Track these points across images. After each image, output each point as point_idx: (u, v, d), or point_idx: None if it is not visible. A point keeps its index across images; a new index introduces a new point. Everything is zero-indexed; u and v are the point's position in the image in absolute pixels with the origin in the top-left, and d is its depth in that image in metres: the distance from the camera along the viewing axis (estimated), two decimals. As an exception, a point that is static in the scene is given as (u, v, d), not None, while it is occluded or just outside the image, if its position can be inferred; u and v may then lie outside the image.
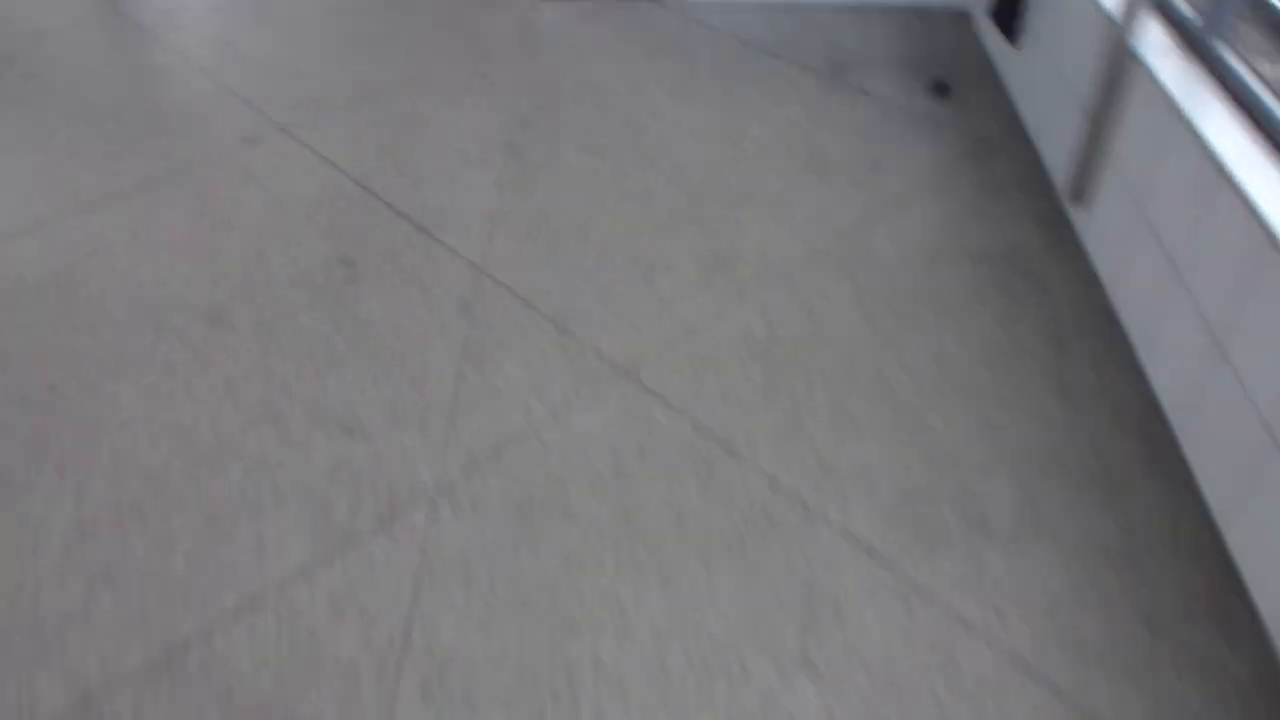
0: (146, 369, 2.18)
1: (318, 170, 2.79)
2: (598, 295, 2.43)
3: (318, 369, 2.19)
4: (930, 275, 2.55)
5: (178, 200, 2.67)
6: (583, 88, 3.24)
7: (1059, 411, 2.20)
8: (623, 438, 2.08)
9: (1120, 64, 2.36)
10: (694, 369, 2.25)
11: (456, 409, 2.12)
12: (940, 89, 3.34)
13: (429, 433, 2.06)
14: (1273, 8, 2.03)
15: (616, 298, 2.43)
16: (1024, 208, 2.79)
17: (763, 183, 2.85)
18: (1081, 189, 2.64)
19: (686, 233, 2.65)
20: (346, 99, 3.11)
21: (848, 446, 2.10)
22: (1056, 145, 2.88)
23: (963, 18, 3.79)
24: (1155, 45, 2.35)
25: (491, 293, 2.41)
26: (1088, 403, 2.22)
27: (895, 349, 2.34)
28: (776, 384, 2.22)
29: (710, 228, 2.67)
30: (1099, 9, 2.56)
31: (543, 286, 2.45)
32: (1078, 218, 2.70)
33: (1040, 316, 2.44)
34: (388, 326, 2.30)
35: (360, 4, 3.67)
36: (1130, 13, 2.29)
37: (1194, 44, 2.30)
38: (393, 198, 2.70)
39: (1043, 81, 3.00)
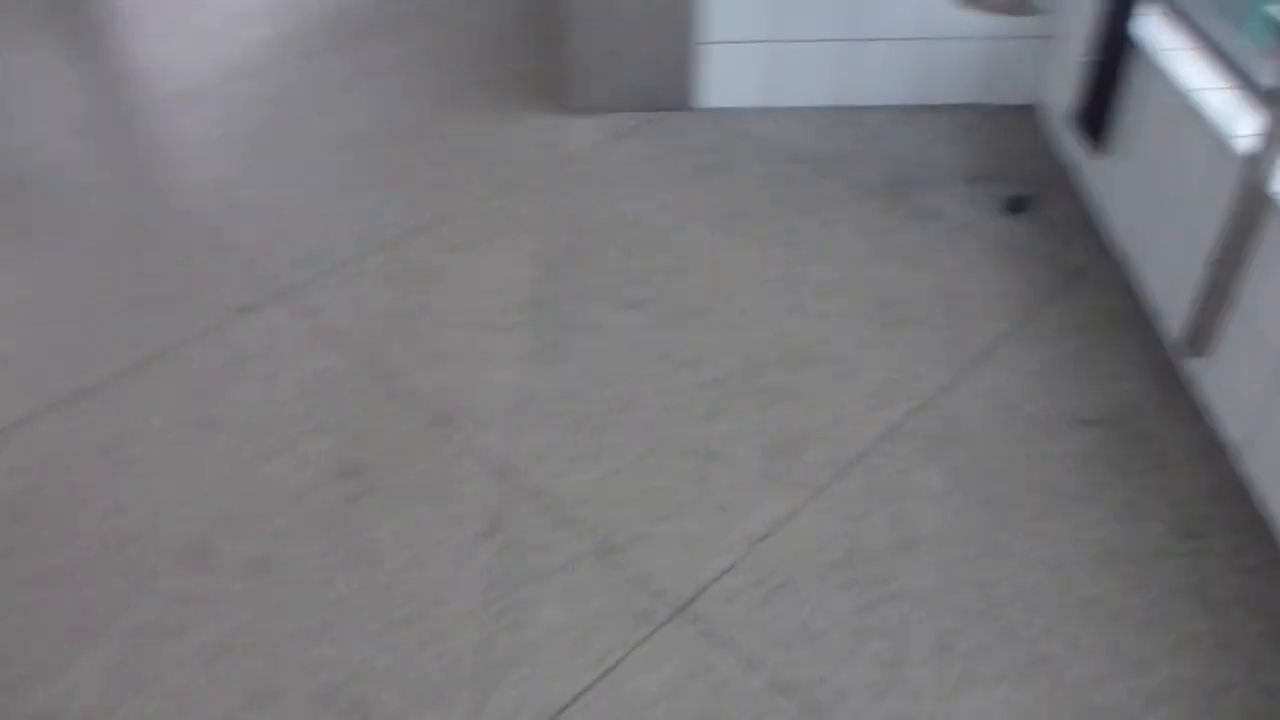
0: (114, 633, 1.90)
1: (319, 347, 2.53)
2: (645, 501, 2.14)
3: (320, 622, 1.91)
4: (1030, 451, 2.24)
5: (158, 394, 2.41)
6: (618, 223, 2.98)
7: (1206, 630, 1.88)
8: (687, 704, 1.78)
9: (1253, 204, 2.06)
10: (765, 598, 1.94)
11: (486, 673, 1.82)
12: (1016, 204, 3.05)
13: (454, 712, 1.76)
14: None
15: (667, 503, 2.13)
16: (1129, 355, 2.48)
17: (827, 338, 2.56)
18: (1200, 340, 2.32)
19: (744, 409, 2.35)
20: (354, 250, 2.86)
21: (959, 698, 1.79)
22: (1160, 276, 2.57)
23: (1029, 112, 3.51)
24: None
25: (521, 505, 2.12)
26: (1238, 617, 1.91)
27: (1001, 556, 2.03)
28: (866, 614, 1.91)
29: (771, 401, 2.38)
30: (1218, 137, 2.26)
31: (580, 492, 2.16)
32: (1196, 371, 2.38)
33: (1165, 501, 2.13)
34: (401, 559, 2.02)
35: (369, 131, 3.44)
36: (1270, 148, 1.99)
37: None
38: (405, 380, 2.43)
39: (1138, 199, 2.70)
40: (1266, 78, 2.13)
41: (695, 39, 3.43)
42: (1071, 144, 3.16)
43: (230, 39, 3.99)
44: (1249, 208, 2.06)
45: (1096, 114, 2.86)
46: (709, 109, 3.55)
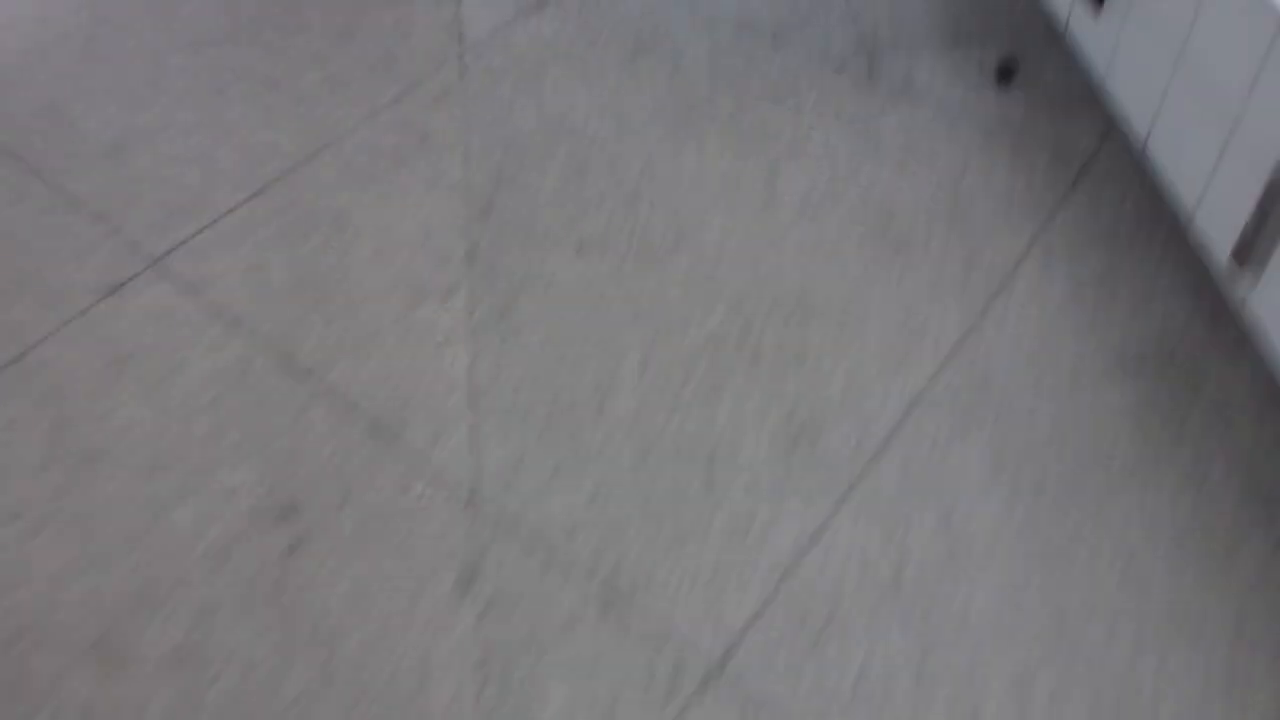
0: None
1: (214, 335, 2.13)
2: (646, 524, 1.86)
3: (276, 734, 1.61)
4: (1076, 412, 2.02)
5: (18, 419, 1.99)
6: (550, 133, 2.58)
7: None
8: (739, 802, 1.55)
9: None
10: (812, 644, 1.71)
11: (492, 785, 1.56)
12: (1005, 72, 2.74)
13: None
14: None
15: (674, 525, 1.86)
16: (1161, 273, 2.25)
17: (822, 273, 2.26)
18: (1251, 256, 2.08)
19: (743, 384, 2.07)
20: (235, 193, 2.41)
21: (1049, 758, 1.60)
22: (1188, 170, 2.27)
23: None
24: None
25: (500, 543, 1.82)
26: (1332, 611, 1.74)
27: (1066, 559, 1.83)
28: (929, 653, 1.70)
29: (773, 370, 2.09)
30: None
31: (567, 517, 1.86)
32: (1249, 299, 2.14)
33: (1232, 467, 1.94)
34: (364, 632, 1.71)
35: (220, 25, 2.90)
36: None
37: None
38: (329, 376, 2.06)
39: (1154, 70, 2.36)
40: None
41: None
42: None
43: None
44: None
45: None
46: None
